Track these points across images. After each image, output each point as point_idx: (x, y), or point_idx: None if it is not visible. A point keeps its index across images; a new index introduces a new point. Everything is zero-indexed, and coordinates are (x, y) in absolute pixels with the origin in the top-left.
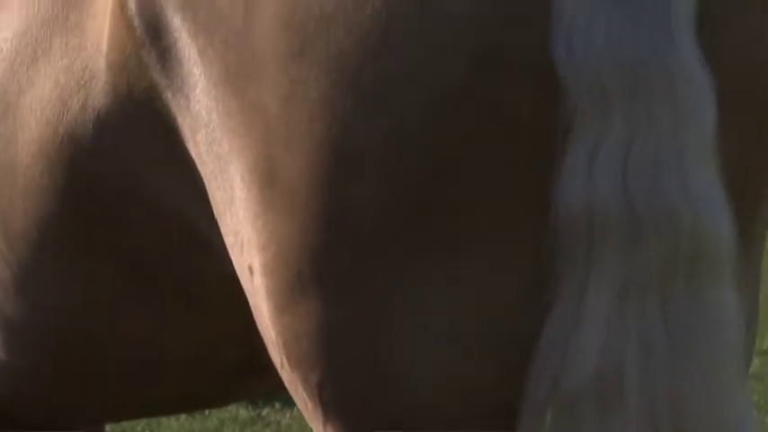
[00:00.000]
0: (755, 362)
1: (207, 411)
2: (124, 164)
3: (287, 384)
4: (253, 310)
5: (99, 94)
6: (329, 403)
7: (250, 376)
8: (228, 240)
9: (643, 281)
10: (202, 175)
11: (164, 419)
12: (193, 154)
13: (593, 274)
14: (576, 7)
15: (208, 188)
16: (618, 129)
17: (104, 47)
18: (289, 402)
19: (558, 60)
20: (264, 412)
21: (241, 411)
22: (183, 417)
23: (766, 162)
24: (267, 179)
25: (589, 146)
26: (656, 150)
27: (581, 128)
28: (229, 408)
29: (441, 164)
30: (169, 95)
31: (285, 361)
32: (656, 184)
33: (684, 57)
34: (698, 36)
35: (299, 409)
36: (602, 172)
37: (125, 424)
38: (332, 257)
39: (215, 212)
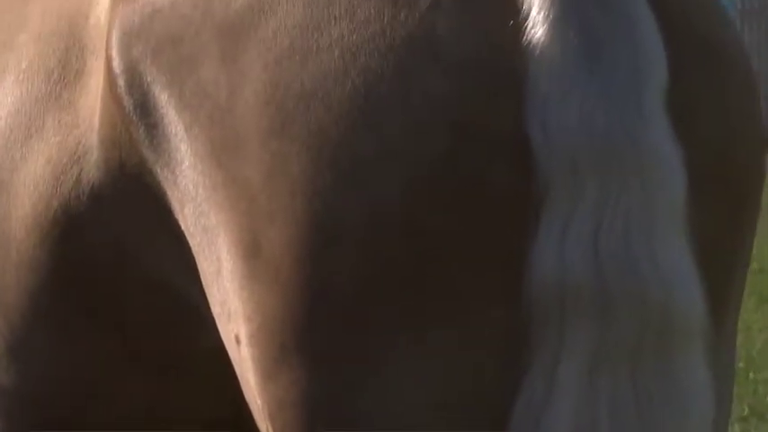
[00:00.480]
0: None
1: None
2: (116, 236)
3: None
4: (239, 379)
5: (91, 168)
6: None
7: None
8: (216, 310)
9: (614, 352)
10: (191, 246)
11: None
12: (182, 226)
13: (565, 345)
14: (549, 85)
15: (196, 259)
16: (589, 203)
17: (96, 123)
18: None
19: (532, 137)
20: None
21: None
22: None
23: (738, 233)
24: (252, 252)
25: (561, 219)
26: (626, 224)
27: (553, 202)
28: None
29: (419, 239)
30: (158, 170)
31: (270, 429)
32: (626, 258)
33: (655, 133)
34: (668, 112)
35: None
36: (574, 245)
37: None
38: (314, 328)
39: (203, 283)
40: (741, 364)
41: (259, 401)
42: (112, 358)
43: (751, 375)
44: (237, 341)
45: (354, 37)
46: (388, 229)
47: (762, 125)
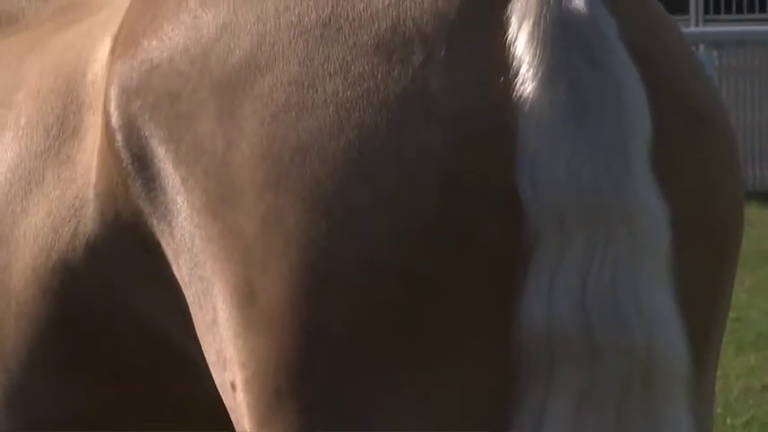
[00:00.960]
0: None
1: None
2: (113, 287)
3: None
4: (235, 425)
5: (89, 221)
6: None
7: None
8: (211, 359)
9: (601, 396)
10: (186, 296)
11: None
12: (177, 277)
13: (553, 388)
14: (538, 141)
15: (191, 309)
16: (576, 254)
17: (93, 177)
18: None
19: (521, 191)
20: None
21: None
22: None
23: (718, 283)
24: (247, 300)
25: (549, 270)
26: (612, 275)
27: (542, 253)
28: None
29: (412, 286)
30: (154, 221)
31: None
32: (613, 308)
33: (641, 187)
34: (652, 166)
35: None
36: (562, 295)
37: None
38: (308, 375)
39: (197, 332)
40: (719, 410)
41: None
42: (108, 404)
43: (728, 421)
44: (233, 388)
45: (349, 93)
46: (381, 277)
47: (740, 179)
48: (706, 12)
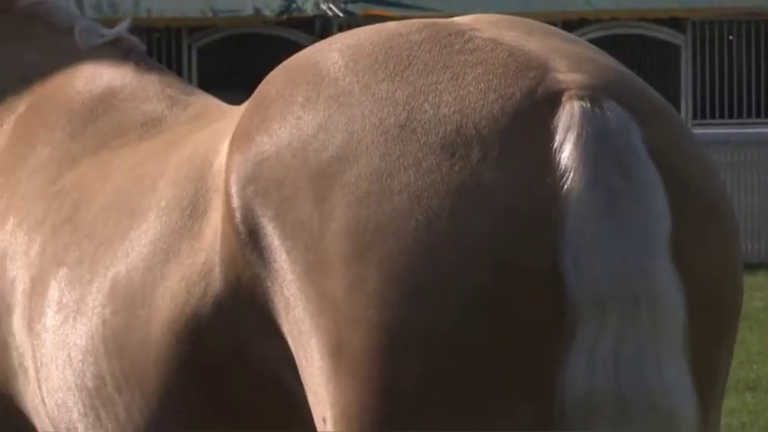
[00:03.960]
0: None
1: None
2: (234, 337)
3: None
4: None
5: (214, 282)
6: None
7: None
8: (309, 398)
9: None
10: (291, 346)
11: None
12: (285, 330)
13: None
14: (580, 235)
15: (295, 356)
16: (611, 332)
17: (218, 246)
18: None
19: (565, 274)
20: None
21: None
22: None
23: (721, 349)
24: (336, 352)
25: (590, 344)
26: (639, 350)
27: (583, 331)
28: None
29: (467, 354)
30: (268, 284)
31: None
32: (640, 376)
33: (662, 274)
34: (671, 255)
35: None
36: (600, 366)
37: None
38: (385, 416)
39: (301, 376)
40: None
41: None
42: None
43: None
44: (324, 422)
45: (419, 183)
46: (441, 342)
47: (740, 259)
48: (694, 117)
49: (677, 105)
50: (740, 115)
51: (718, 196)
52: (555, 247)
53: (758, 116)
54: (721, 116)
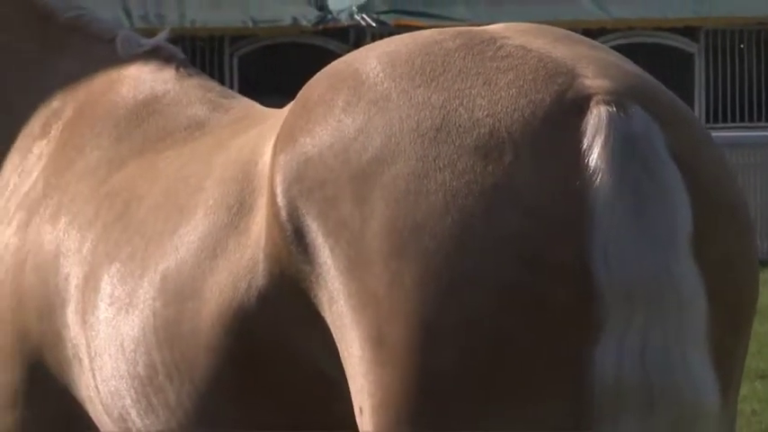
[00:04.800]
0: None
1: None
2: (278, 329)
3: None
4: None
5: (260, 277)
6: None
7: None
8: (351, 387)
9: None
10: (334, 337)
11: None
12: (328, 321)
13: (622, 427)
14: (609, 232)
15: (338, 347)
16: (639, 325)
17: (263, 243)
18: None
19: (595, 269)
20: None
21: None
22: None
23: (739, 339)
24: (376, 343)
25: (618, 335)
26: (665, 341)
27: (612, 323)
28: None
29: (500, 343)
30: (311, 278)
31: None
32: (666, 366)
33: (685, 270)
34: (693, 253)
35: None
36: (628, 355)
37: None
38: (421, 404)
39: (342, 365)
40: None
41: None
42: (271, 422)
43: None
44: (361, 412)
45: (454, 183)
46: (476, 332)
47: (756, 254)
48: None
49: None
50: (750, 119)
51: (736, 197)
52: (585, 244)
53: (767, 119)
54: (732, 120)
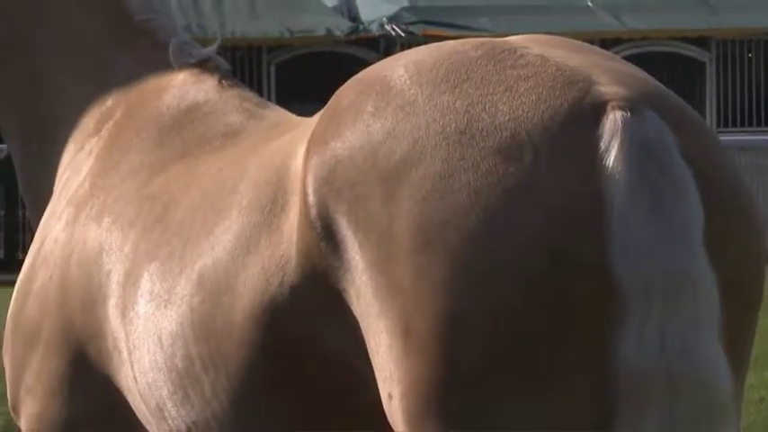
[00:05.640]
0: None
1: None
2: (308, 322)
3: None
4: (391, 425)
5: (291, 273)
6: None
7: None
8: (378, 375)
9: (677, 421)
10: (362, 329)
11: None
12: (356, 314)
13: (646, 415)
14: (627, 228)
15: (365, 338)
16: (657, 315)
17: (295, 241)
18: None
19: (615, 265)
20: None
21: None
22: None
23: (746, 330)
24: (404, 333)
25: (638, 324)
26: (682, 330)
27: (633, 314)
28: None
29: (523, 331)
30: (340, 273)
31: None
32: (684, 353)
33: (700, 265)
34: (706, 249)
35: None
36: (648, 343)
37: None
38: (447, 390)
39: (370, 355)
40: None
41: None
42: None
43: None
44: (390, 398)
45: (478, 183)
46: (499, 321)
47: (764, 250)
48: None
49: (702, 114)
50: (759, 123)
51: (744, 196)
52: (604, 240)
53: None
54: (742, 124)
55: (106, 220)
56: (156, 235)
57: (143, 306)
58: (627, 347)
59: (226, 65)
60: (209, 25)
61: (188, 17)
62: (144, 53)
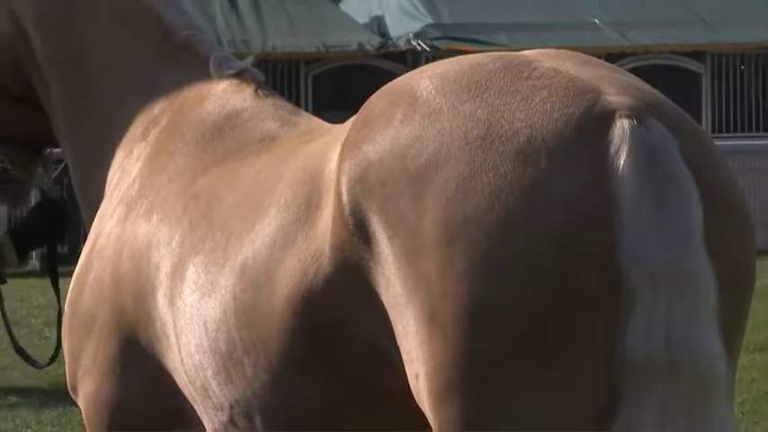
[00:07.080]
0: None
1: None
2: (341, 310)
3: None
4: (418, 403)
5: (326, 265)
6: None
7: None
8: (404, 357)
9: (677, 401)
10: (390, 315)
11: None
12: (385, 302)
13: (649, 396)
14: (635, 228)
15: (393, 324)
16: (662, 306)
17: (329, 235)
18: None
19: (623, 259)
20: None
21: None
22: None
23: (740, 318)
24: (429, 319)
25: (645, 314)
26: (684, 319)
27: (640, 304)
28: None
29: (536, 321)
30: (371, 265)
31: None
32: (686, 340)
33: (700, 261)
34: (705, 245)
35: None
36: (654, 331)
37: None
38: (468, 371)
39: (397, 340)
40: None
41: (432, 418)
42: (335, 396)
43: None
44: (417, 378)
45: (498, 183)
46: (516, 311)
47: (754, 246)
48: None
49: (699, 121)
50: (750, 129)
51: (737, 196)
52: (613, 237)
53: (765, 130)
54: (735, 130)
55: (155, 217)
56: (201, 231)
57: (189, 295)
58: (634, 336)
59: (261, 76)
60: (253, 41)
61: (233, 33)
62: (186, 66)
